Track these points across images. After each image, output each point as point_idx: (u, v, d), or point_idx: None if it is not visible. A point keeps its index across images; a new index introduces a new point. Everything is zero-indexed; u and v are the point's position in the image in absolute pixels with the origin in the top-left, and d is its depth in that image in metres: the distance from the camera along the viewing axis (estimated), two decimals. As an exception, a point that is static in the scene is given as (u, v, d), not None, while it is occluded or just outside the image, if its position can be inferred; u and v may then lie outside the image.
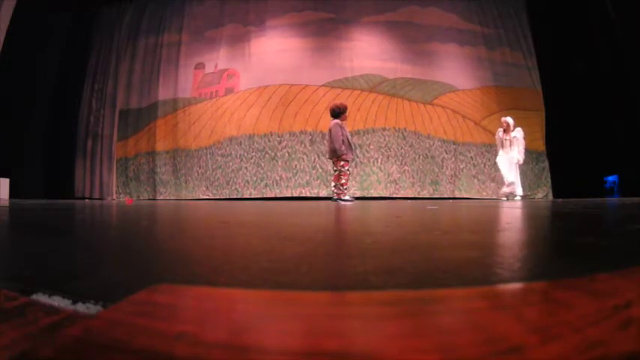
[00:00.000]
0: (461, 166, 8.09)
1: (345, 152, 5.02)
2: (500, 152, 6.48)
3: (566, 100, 7.78)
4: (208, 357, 0.25)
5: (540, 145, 8.05)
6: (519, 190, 6.35)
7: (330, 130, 5.05)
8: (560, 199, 6.68)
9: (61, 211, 3.17)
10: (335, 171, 5.20)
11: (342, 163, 5.04)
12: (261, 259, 0.77)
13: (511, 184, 6.25)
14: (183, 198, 8.31)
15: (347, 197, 5.12)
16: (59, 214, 2.78)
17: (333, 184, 5.27)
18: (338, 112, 5.16)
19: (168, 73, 8.93)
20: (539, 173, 8.05)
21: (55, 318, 0.34)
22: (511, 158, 6.31)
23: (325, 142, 5.84)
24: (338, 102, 5.45)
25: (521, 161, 6.37)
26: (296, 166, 8.01)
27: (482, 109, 8.25)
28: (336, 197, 5.12)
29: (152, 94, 8.96)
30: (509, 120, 6.46)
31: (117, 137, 9.02)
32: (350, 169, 5.32)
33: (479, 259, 0.75)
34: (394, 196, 7.81)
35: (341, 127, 5.04)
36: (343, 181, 5.09)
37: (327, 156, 5.38)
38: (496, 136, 6.67)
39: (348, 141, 5.09)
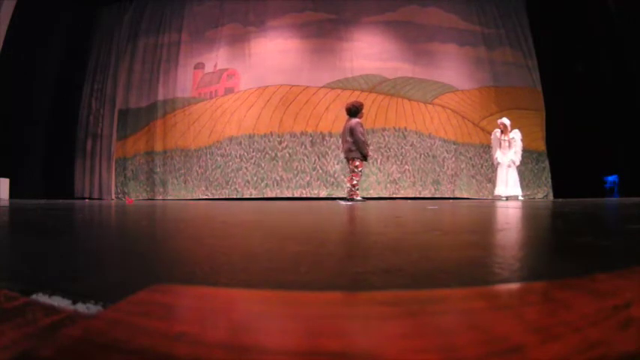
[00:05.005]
0: (461, 166, 8.10)
1: (368, 152, 5.07)
2: (499, 153, 6.48)
3: (566, 100, 7.78)
4: (208, 357, 0.25)
5: (540, 145, 8.05)
6: (519, 191, 6.36)
7: (350, 130, 4.94)
8: (561, 199, 6.68)
9: (61, 211, 3.17)
10: (350, 171, 5.17)
11: (357, 163, 5.01)
12: (261, 259, 0.77)
13: (508, 186, 6.28)
14: (183, 198, 8.31)
15: (359, 197, 5.10)
16: (59, 214, 2.78)
17: (348, 185, 5.25)
18: (355, 111, 5.09)
19: (168, 73, 8.93)
20: (539, 173, 8.05)
21: (55, 318, 0.34)
22: (508, 159, 6.33)
23: (340, 140, 5.77)
24: (353, 100, 5.41)
25: (517, 163, 6.39)
26: (297, 167, 8.01)
27: (482, 109, 8.25)
28: (348, 197, 5.12)
29: (151, 93, 8.96)
30: (506, 121, 6.47)
31: (116, 137, 9.02)
32: (363, 169, 5.30)
33: (479, 259, 0.74)
34: (394, 196, 7.81)
35: (362, 126, 5.01)
36: (355, 182, 5.07)
37: (343, 155, 5.33)
38: (492, 137, 6.67)
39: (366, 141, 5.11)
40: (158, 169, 8.62)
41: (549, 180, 8.02)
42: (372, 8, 8.30)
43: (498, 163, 6.49)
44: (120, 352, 0.26)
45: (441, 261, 0.76)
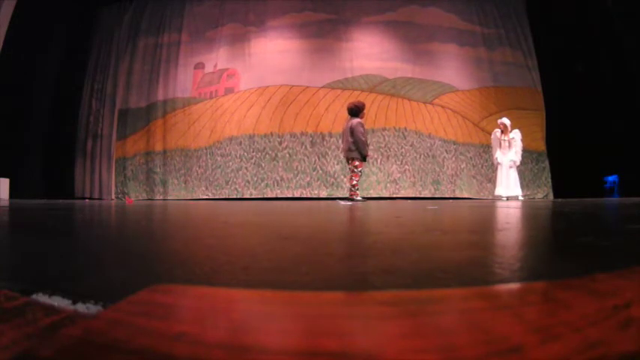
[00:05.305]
0: (461, 166, 8.10)
1: (368, 153, 5.07)
2: (499, 153, 6.48)
3: (566, 100, 7.78)
4: (208, 357, 0.25)
5: (541, 145, 8.05)
6: (519, 191, 6.36)
7: (351, 129, 4.94)
8: (561, 199, 6.68)
9: (61, 211, 3.17)
10: (350, 171, 5.18)
11: (357, 163, 5.02)
12: (261, 259, 0.77)
13: (509, 186, 6.28)
14: (183, 198, 8.30)
15: (359, 198, 5.10)
16: (59, 214, 2.78)
17: (349, 185, 5.26)
18: (357, 111, 5.09)
19: (168, 73, 8.93)
20: (539, 173, 8.05)
21: (55, 318, 0.34)
22: (509, 160, 6.33)
23: (340, 140, 5.78)
24: (355, 100, 5.41)
25: (518, 162, 6.40)
26: (297, 167, 8.02)
27: (482, 109, 8.25)
28: (349, 196, 5.13)
29: (151, 93, 8.96)
30: (506, 121, 6.47)
31: (116, 137, 9.02)
32: (363, 169, 5.30)
33: (479, 259, 0.74)
34: (394, 196, 7.82)
35: (363, 126, 5.01)
36: (355, 182, 5.08)
37: (343, 155, 5.33)
38: (492, 137, 6.68)
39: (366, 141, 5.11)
40: (158, 169, 8.61)
41: (549, 180, 8.02)
42: (372, 8, 8.30)
43: (498, 163, 6.49)
44: (120, 352, 0.26)
45: (441, 261, 0.76)
